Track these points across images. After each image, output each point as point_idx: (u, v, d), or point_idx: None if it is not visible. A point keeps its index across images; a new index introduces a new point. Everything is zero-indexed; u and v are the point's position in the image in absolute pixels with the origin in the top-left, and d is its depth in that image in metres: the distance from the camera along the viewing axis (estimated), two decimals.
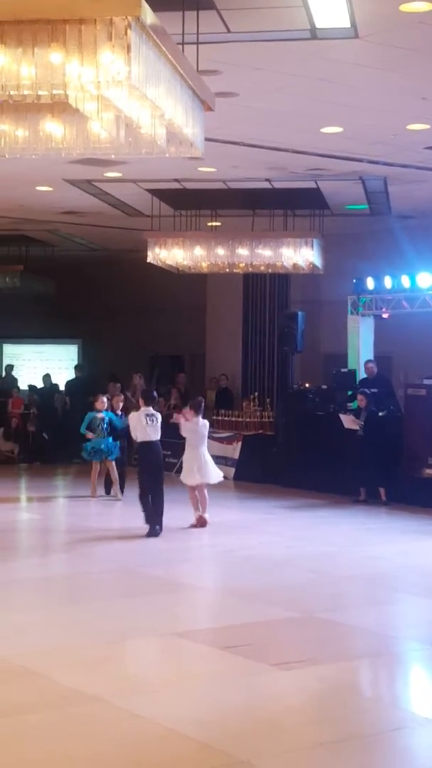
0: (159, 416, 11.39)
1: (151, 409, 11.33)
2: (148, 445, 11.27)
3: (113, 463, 13.66)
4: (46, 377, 20.62)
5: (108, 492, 13.80)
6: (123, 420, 13.22)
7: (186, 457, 11.89)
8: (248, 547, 10.74)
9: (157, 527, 11.03)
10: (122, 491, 13.63)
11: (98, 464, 13.78)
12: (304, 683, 6.24)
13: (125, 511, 11.34)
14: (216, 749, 5.08)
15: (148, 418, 11.24)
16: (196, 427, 11.74)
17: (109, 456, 13.59)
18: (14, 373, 22.30)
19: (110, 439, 13.57)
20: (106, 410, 13.65)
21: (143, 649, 7.15)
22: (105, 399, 13.92)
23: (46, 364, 22.47)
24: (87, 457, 13.89)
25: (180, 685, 6.21)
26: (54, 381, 20.73)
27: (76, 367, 20.90)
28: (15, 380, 21.69)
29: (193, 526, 11.55)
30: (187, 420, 11.72)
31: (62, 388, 20.58)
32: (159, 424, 11.35)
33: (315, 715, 5.73)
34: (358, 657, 6.98)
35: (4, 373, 22.32)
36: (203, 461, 11.75)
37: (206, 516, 11.67)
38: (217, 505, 12.20)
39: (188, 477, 11.70)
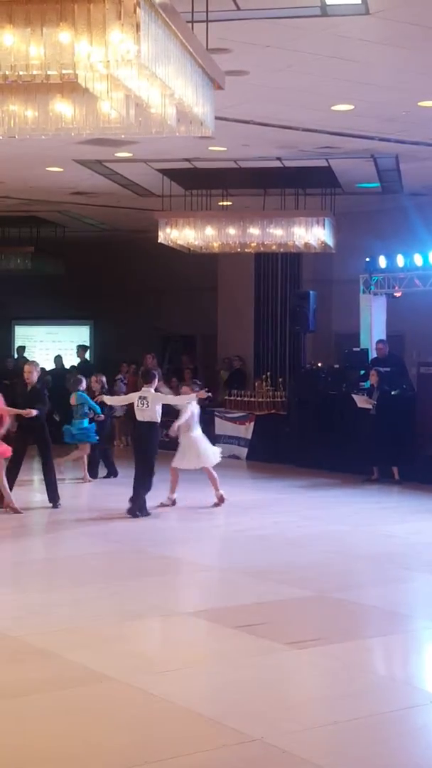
0: (151, 398, 11.18)
1: (148, 390, 11.22)
2: (137, 425, 11.34)
3: (86, 445, 13.62)
4: (58, 358, 20.62)
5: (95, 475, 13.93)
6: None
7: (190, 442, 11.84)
8: (261, 527, 10.76)
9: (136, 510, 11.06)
10: (96, 473, 13.83)
11: (87, 446, 13.67)
12: (317, 662, 6.26)
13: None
14: (229, 727, 5.10)
15: (139, 400, 11.25)
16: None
17: (85, 439, 13.52)
18: (26, 354, 22.32)
19: (86, 422, 13.51)
20: (83, 392, 13.56)
21: (156, 628, 7.18)
22: (102, 379, 14.14)
23: (58, 345, 22.48)
24: (72, 440, 13.74)
25: (192, 664, 6.24)
26: (67, 362, 20.73)
27: (79, 348, 20.24)
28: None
29: (164, 505, 11.60)
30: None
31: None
32: (155, 406, 11.17)
33: (328, 694, 5.75)
34: (371, 636, 7.00)
35: (16, 355, 22.35)
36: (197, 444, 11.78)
37: (221, 492, 11.80)
38: (229, 485, 12.23)
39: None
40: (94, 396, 13.67)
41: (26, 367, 11.90)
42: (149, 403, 11.13)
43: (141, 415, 11.20)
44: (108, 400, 12.72)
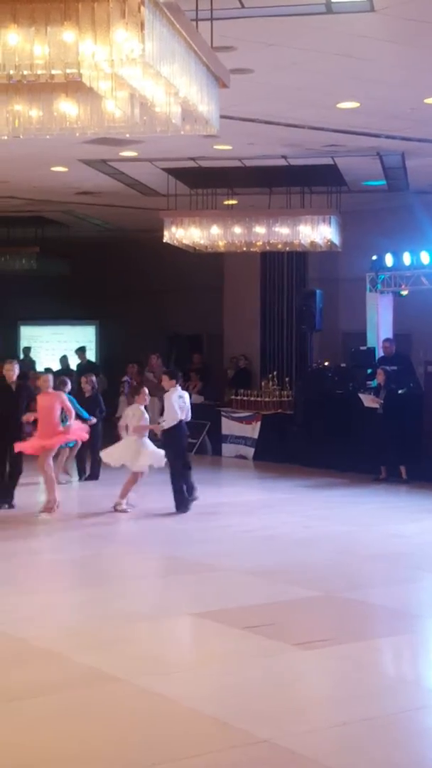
0: (187, 395, 11.56)
1: (180, 389, 11.42)
2: (179, 425, 11.34)
3: (67, 448, 13.25)
4: (63, 359, 20.62)
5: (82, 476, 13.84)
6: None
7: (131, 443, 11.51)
8: (268, 527, 10.74)
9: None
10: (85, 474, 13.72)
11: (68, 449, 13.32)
12: (326, 662, 6.24)
13: (144, 492, 11.34)
14: (237, 728, 5.08)
15: (181, 399, 11.37)
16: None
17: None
18: (32, 354, 22.32)
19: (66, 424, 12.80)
20: (68, 393, 12.97)
21: (163, 629, 7.16)
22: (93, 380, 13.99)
23: (63, 345, 22.47)
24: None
25: (200, 665, 6.22)
26: (73, 362, 20.72)
27: (78, 351, 20.06)
28: (33, 362, 21.72)
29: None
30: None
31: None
32: (188, 404, 11.50)
33: (337, 695, 5.72)
34: (380, 636, 6.97)
35: (21, 355, 22.35)
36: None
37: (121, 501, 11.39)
38: (237, 485, 12.22)
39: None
40: (84, 397, 13.58)
41: (6, 366, 11.86)
42: (186, 399, 11.39)
43: (182, 413, 11.36)
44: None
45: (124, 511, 11.26)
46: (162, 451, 11.39)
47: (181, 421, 11.36)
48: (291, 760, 4.75)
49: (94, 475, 13.82)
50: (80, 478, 13.93)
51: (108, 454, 11.71)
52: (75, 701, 5.54)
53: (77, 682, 5.82)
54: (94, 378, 14.27)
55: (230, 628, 6.88)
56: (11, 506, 11.57)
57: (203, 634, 6.93)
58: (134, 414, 11.45)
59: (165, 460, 11.37)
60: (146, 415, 11.55)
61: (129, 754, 4.82)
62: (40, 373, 17.38)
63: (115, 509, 11.29)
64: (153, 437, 11.75)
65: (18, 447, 11.37)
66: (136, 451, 11.34)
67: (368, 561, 9.25)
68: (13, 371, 11.80)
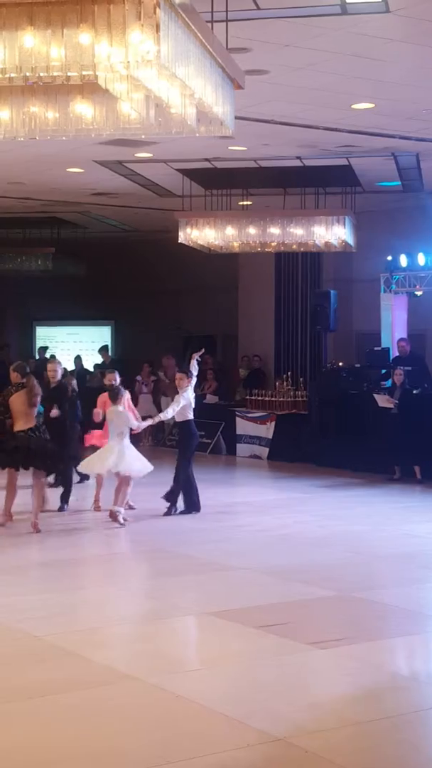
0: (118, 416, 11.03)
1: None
2: (191, 424, 11.34)
3: None
4: (77, 359, 20.67)
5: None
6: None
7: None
8: (283, 527, 10.75)
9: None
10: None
11: None
12: (340, 662, 6.25)
13: (155, 491, 11.36)
14: (252, 727, 5.10)
15: (193, 398, 11.37)
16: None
17: None
18: (47, 355, 22.39)
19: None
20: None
21: (178, 628, 7.18)
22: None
23: (79, 345, 22.54)
24: None
25: (215, 664, 6.24)
26: (87, 362, 20.77)
27: (101, 350, 20.02)
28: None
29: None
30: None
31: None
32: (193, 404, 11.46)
33: (351, 694, 5.73)
34: (393, 636, 6.97)
35: (37, 356, 22.43)
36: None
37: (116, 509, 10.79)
38: (251, 484, 12.23)
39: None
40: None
41: (49, 365, 11.82)
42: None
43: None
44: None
45: (119, 522, 10.56)
46: (144, 460, 10.96)
47: (192, 420, 11.37)
48: (305, 759, 4.77)
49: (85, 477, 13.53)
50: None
51: (87, 465, 11.11)
52: (91, 700, 5.57)
53: (93, 680, 5.85)
54: (74, 381, 14.25)
55: (244, 627, 6.90)
56: (63, 509, 11.42)
57: (218, 633, 6.95)
58: (118, 417, 10.85)
59: (149, 468, 10.90)
60: (129, 416, 10.97)
61: (144, 752, 4.85)
62: (92, 372, 17.43)
63: (112, 517, 10.63)
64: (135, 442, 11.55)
65: (89, 440, 11.29)
66: (120, 455, 10.73)
67: (382, 561, 9.25)
68: (57, 371, 11.69)
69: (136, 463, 10.90)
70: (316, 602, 7.65)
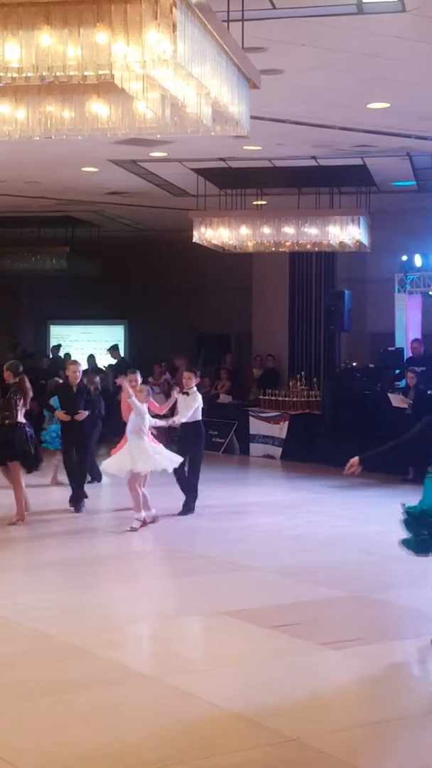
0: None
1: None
2: (201, 424, 11.39)
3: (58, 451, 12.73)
4: (90, 358, 20.70)
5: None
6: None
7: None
8: (296, 527, 10.74)
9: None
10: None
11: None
12: (353, 662, 6.24)
13: (166, 491, 11.37)
14: (265, 727, 5.10)
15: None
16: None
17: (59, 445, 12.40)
18: (61, 353, 22.43)
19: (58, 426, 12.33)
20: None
21: (191, 627, 7.19)
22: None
23: (92, 344, 22.57)
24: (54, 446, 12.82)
25: (229, 664, 6.24)
26: (101, 361, 20.81)
27: (110, 349, 20.11)
28: (62, 361, 21.82)
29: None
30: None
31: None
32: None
33: (364, 694, 5.73)
34: (407, 636, 6.97)
35: (51, 354, 22.48)
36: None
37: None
38: (264, 484, 12.21)
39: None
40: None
41: (71, 367, 11.68)
42: None
43: None
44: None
45: (132, 528, 10.35)
46: (166, 452, 10.85)
47: (201, 421, 11.38)
48: (319, 760, 4.77)
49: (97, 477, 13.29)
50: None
51: (109, 464, 10.94)
52: (105, 698, 5.58)
53: (107, 679, 5.86)
54: (97, 378, 14.29)
55: (258, 627, 6.90)
56: (78, 509, 11.41)
57: (231, 632, 6.94)
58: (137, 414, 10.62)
59: (177, 460, 10.84)
60: (145, 414, 10.71)
61: (157, 752, 4.85)
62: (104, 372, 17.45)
63: (153, 521, 10.62)
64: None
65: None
66: (140, 453, 10.52)
67: (395, 561, 9.18)
68: (78, 373, 11.60)
69: (156, 457, 10.62)
70: (329, 602, 7.65)
